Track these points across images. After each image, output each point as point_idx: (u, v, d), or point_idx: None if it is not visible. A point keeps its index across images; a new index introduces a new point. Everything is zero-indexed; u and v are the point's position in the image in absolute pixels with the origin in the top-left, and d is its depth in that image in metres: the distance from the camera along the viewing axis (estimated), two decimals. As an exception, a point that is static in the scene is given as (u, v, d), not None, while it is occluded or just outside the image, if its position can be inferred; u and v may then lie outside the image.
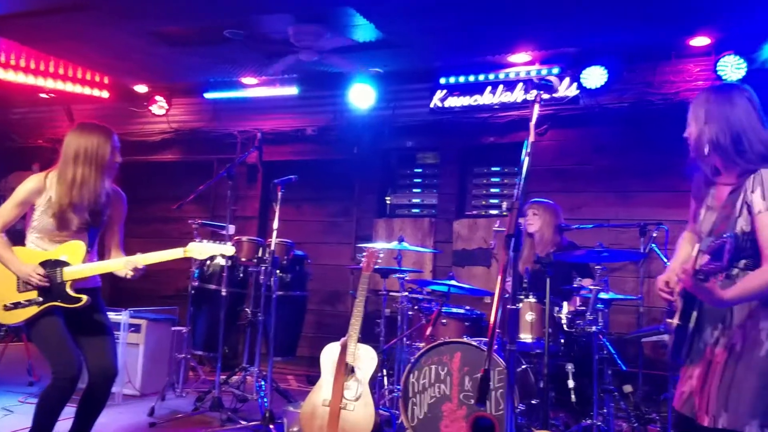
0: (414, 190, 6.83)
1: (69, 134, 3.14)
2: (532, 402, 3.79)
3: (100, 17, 5.17)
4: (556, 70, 5.80)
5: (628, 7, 4.64)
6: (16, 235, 3.15)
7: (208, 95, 7.14)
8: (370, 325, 4.89)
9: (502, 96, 5.98)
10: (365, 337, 3.89)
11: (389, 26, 5.16)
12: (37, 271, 3.00)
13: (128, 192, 3.41)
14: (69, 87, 6.82)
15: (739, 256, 2.00)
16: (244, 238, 4.96)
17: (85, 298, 3.04)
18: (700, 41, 5.22)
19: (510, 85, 5.95)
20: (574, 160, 5.88)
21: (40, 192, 3.09)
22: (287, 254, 4.99)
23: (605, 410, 3.85)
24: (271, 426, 4.08)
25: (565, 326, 4.00)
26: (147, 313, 5.30)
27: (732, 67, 5.10)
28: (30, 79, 6.53)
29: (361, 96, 6.31)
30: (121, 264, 3.10)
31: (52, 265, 3.05)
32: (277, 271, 4.72)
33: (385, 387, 4.64)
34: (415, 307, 4.62)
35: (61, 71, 6.69)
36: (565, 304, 4.05)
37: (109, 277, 3.20)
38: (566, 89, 5.72)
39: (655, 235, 4.48)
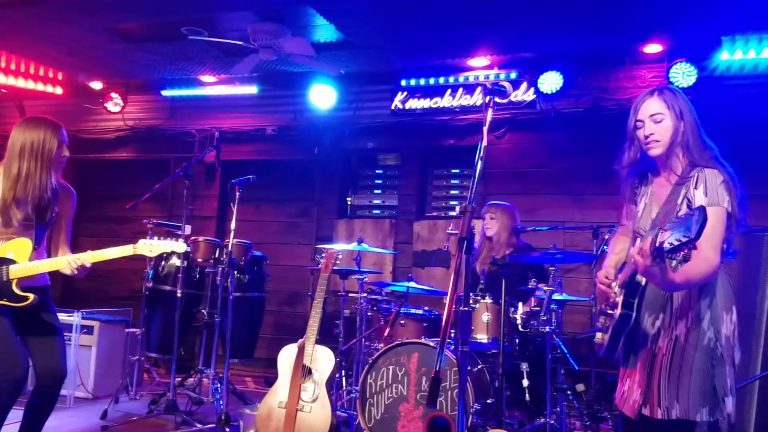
0: (375, 191, 6.84)
1: (15, 129, 3.07)
2: (488, 401, 3.84)
3: (53, 12, 5.04)
4: (513, 75, 5.90)
5: (584, 14, 4.74)
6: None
7: (165, 92, 7.04)
8: (330, 326, 4.89)
9: (461, 99, 6.05)
10: (324, 338, 3.88)
11: (350, 27, 5.17)
12: None
13: (82, 190, 3.35)
14: (21, 83, 6.63)
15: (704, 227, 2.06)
16: (201, 239, 4.91)
17: (31, 296, 2.96)
18: (653, 48, 5.37)
19: (469, 89, 6.03)
20: (532, 163, 5.98)
21: (-14, 189, 3.00)
22: (245, 255, 4.95)
23: (558, 409, 3.93)
24: (227, 429, 4.05)
25: (520, 326, 4.07)
26: (100, 315, 5.19)
27: (683, 74, 5.26)
28: (-20, 74, 6.34)
29: (322, 96, 6.30)
30: (69, 262, 3.02)
31: (-3, 263, 2.97)
32: (235, 272, 4.67)
33: (343, 388, 4.64)
34: (375, 308, 4.63)
35: (12, 66, 6.50)
36: (520, 304, 4.12)
37: (61, 277, 3.14)
38: (524, 93, 5.82)
39: (607, 237, 4.58)
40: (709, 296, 2.22)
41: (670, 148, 2.29)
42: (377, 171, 6.89)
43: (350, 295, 4.84)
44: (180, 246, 3.17)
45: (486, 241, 4.62)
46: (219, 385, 4.52)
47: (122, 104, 7.11)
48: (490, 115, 2.20)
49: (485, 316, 4.03)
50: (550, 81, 5.60)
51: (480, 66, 5.97)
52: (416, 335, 4.22)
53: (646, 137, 2.31)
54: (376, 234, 6.43)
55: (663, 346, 2.23)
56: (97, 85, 7.10)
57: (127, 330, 5.31)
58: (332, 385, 4.19)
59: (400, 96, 6.27)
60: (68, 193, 3.23)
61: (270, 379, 5.76)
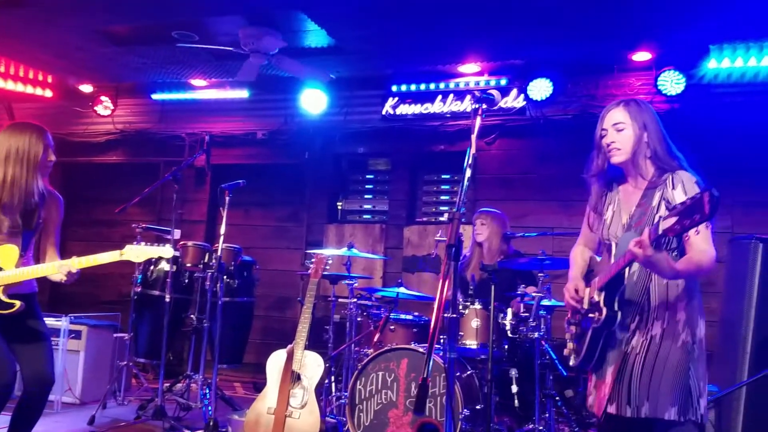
0: (365, 196, 6.85)
1: (0, 134, 3.05)
2: (477, 407, 3.84)
3: (38, 14, 5.01)
4: (504, 82, 5.93)
5: (573, 21, 4.78)
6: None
7: (156, 96, 7.02)
8: (319, 331, 4.88)
9: (452, 105, 6.07)
10: (314, 344, 3.88)
11: (341, 32, 5.18)
12: None
13: (71, 193, 3.33)
14: (10, 85, 6.59)
15: (658, 246, 2.08)
16: (190, 243, 4.88)
17: (18, 303, 2.94)
18: (642, 56, 5.42)
19: (460, 95, 6.06)
20: (521, 169, 6.01)
21: (-28, 195, 2.98)
22: (234, 259, 4.94)
23: (547, 415, 3.94)
24: (215, 434, 4.03)
25: (509, 332, 4.08)
26: (88, 319, 5.15)
27: (672, 82, 5.31)
28: (-32, 76, 6.30)
29: (313, 101, 6.31)
30: (55, 268, 3.00)
31: (-17, 271, 2.94)
32: (224, 277, 4.66)
33: (333, 394, 4.63)
34: (364, 314, 4.63)
35: (2, 69, 6.47)
36: (509, 310, 4.14)
37: (49, 282, 3.11)
38: (513, 100, 5.85)
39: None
40: (686, 299, 2.27)
41: (633, 156, 2.36)
42: (368, 176, 6.90)
43: (340, 300, 4.83)
44: (167, 251, 3.15)
45: (476, 247, 4.64)
46: (207, 391, 4.50)
47: (112, 107, 7.09)
48: (478, 122, 2.22)
49: (474, 322, 4.04)
50: (540, 88, 5.64)
51: (470, 72, 6.00)
52: (406, 341, 4.22)
53: (608, 145, 2.40)
54: (366, 239, 6.43)
55: (637, 346, 2.26)
56: (87, 88, 7.07)
57: (115, 335, 5.27)
58: (321, 390, 4.18)
59: (391, 101, 6.29)
60: (55, 199, 3.21)
61: (258, 385, 5.74)
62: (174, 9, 4.88)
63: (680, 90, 5.29)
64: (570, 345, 2.44)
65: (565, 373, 4.31)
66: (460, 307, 4.07)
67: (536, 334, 3.94)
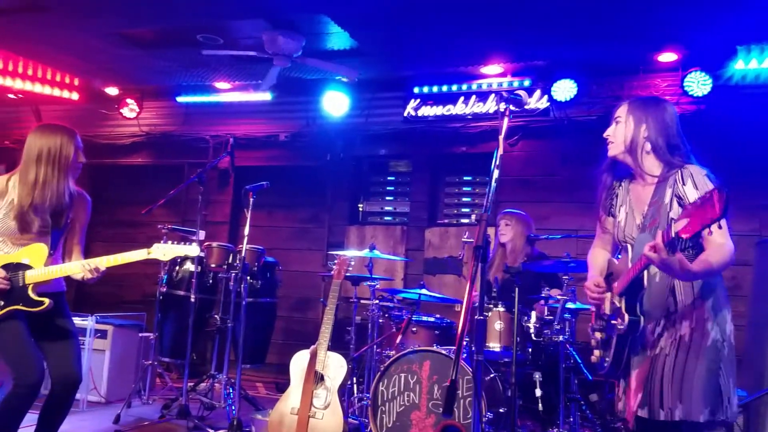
0: (386, 198, 6.85)
1: (30, 135, 3.09)
2: (500, 410, 3.82)
3: (63, 18, 5.08)
4: (527, 83, 5.90)
5: (597, 22, 4.74)
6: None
7: (180, 99, 7.09)
8: (341, 332, 4.88)
9: (474, 106, 6.05)
10: (335, 345, 3.88)
11: (363, 35, 5.18)
12: None
13: (96, 195, 3.37)
14: (38, 88, 6.70)
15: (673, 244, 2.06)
16: (214, 244, 4.93)
17: (47, 301, 2.99)
18: (668, 57, 5.35)
19: (482, 96, 6.03)
20: (544, 170, 5.97)
21: (3, 195, 3.04)
22: (258, 260, 4.97)
23: (571, 419, 3.90)
24: (239, 434, 4.05)
25: (533, 335, 4.05)
26: (113, 319, 5.21)
27: (698, 83, 5.25)
28: (-3, 79, 6.41)
29: (335, 103, 6.33)
30: (84, 266, 3.04)
31: (13, 269, 2.99)
32: (248, 278, 4.69)
33: (355, 395, 4.63)
34: (386, 315, 4.63)
35: (30, 72, 6.58)
36: (533, 313, 4.10)
37: (75, 282, 3.15)
38: (537, 101, 5.82)
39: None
40: (711, 296, 2.24)
41: (629, 151, 2.38)
42: (389, 177, 6.90)
43: (362, 301, 4.84)
44: (193, 250, 3.18)
45: (500, 248, 4.61)
46: (231, 391, 4.54)
47: (137, 110, 7.18)
48: (506, 123, 2.21)
49: (498, 325, 4.02)
50: (564, 89, 5.60)
51: (493, 74, 5.98)
52: (428, 343, 4.21)
53: (606, 137, 2.45)
54: (387, 240, 6.43)
55: (666, 347, 2.23)
56: (112, 90, 7.17)
57: (140, 334, 5.33)
58: (343, 392, 4.18)
59: (412, 103, 6.29)
60: (83, 200, 3.26)
61: (281, 385, 5.77)
62: (198, 13, 4.92)
63: (707, 91, 5.23)
64: (597, 352, 2.41)
65: (590, 377, 4.27)
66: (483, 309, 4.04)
67: (561, 338, 3.90)
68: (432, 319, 4.47)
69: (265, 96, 6.75)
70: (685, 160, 2.33)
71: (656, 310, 2.27)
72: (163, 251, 3.11)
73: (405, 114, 6.32)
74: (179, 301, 5.03)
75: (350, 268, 4.14)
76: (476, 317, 2.06)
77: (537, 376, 4.00)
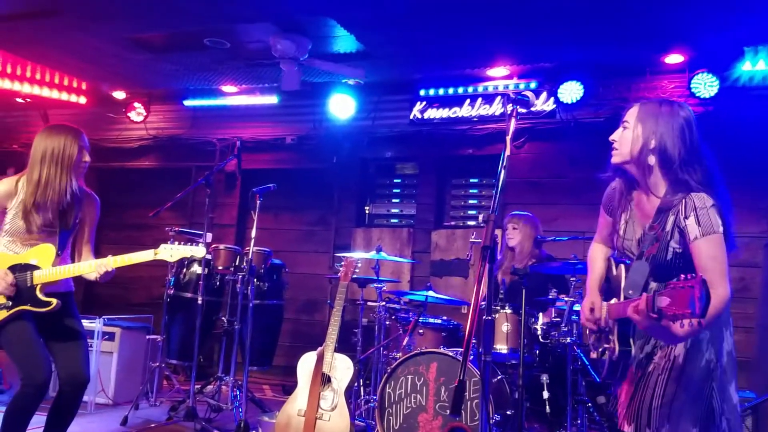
0: (393, 200, 6.86)
1: (37, 136, 3.12)
2: (507, 413, 3.81)
3: (72, 22, 5.11)
4: (533, 85, 5.90)
5: (604, 24, 4.73)
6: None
7: (187, 102, 7.12)
8: (347, 334, 4.89)
9: (480, 109, 6.05)
10: (342, 347, 3.89)
11: (369, 38, 5.19)
12: (5, 278, 2.95)
13: (104, 198, 3.39)
14: (46, 92, 6.74)
15: (671, 274, 1.99)
16: (221, 246, 4.94)
17: (55, 301, 3.00)
18: (674, 59, 5.34)
19: (488, 99, 6.03)
20: (550, 172, 5.96)
21: (12, 195, 3.06)
22: (265, 263, 4.98)
23: (579, 421, 3.89)
24: (246, 436, 4.05)
25: (540, 337, 4.04)
26: (121, 321, 5.23)
27: (705, 85, 5.23)
28: (6, 84, 6.45)
29: (341, 106, 6.34)
30: (92, 267, 3.06)
31: (22, 269, 3.01)
32: (255, 280, 4.70)
33: (362, 397, 4.64)
34: (393, 317, 4.63)
35: (38, 76, 6.62)
36: (540, 315, 4.10)
37: (83, 284, 3.18)
38: (543, 103, 5.81)
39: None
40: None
41: (634, 160, 2.21)
42: (395, 180, 6.90)
43: (368, 303, 4.84)
44: (199, 251, 3.20)
45: (508, 251, 4.61)
46: (238, 393, 4.54)
47: (145, 114, 7.21)
48: (513, 124, 2.19)
49: (505, 327, 4.02)
50: (571, 91, 5.59)
51: (499, 76, 5.98)
52: (435, 345, 4.21)
53: (612, 141, 2.29)
54: (393, 243, 6.44)
55: (659, 366, 2.16)
56: (120, 94, 7.20)
57: (147, 337, 5.35)
58: (350, 394, 4.18)
59: (418, 106, 6.29)
60: (92, 200, 3.28)
61: (287, 387, 5.77)
62: (206, 17, 4.94)
63: (714, 93, 5.21)
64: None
65: (597, 379, 4.26)
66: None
67: (568, 339, 3.89)
68: (439, 321, 4.47)
69: (272, 99, 6.77)
70: (693, 184, 2.13)
71: (643, 333, 2.20)
72: (170, 252, 3.13)
73: (411, 116, 6.32)
74: (186, 304, 5.04)
75: (357, 270, 4.15)
76: (484, 318, 2.05)
77: (544, 378, 3.99)
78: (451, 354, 3.78)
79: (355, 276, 4.16)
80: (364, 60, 5.61)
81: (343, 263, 4.14)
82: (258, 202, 4.45)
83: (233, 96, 6.90)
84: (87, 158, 3.18)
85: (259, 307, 4.93)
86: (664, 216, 2.17)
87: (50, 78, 6.75)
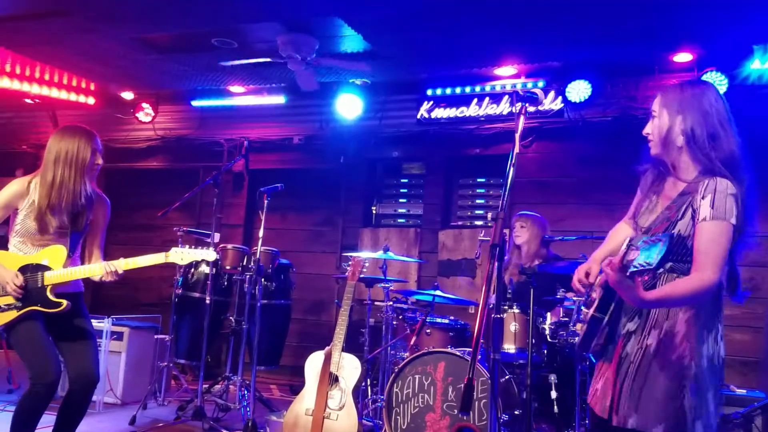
0: (400, 200, 6.85)
1: (51, 137, 3.15)
2: (515, 412, 3.80)
3: (81, 23, 5.13)
4: (541, 84, 5.88)
5: (612, 23, 4.72)
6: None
7: (195, 103, 7.14)
8: (355, 334, 4.89)
9: (488, 108, 6.04)
10: (349, 347, 3.89)
11: (377, 37, 5.19)
12: (15, 280, 2.96)
13: (112, 198, 3.40)
14: (54, 93, 6.77)
15: (668, 257, 1.96)
16: (229, 246, 4.95)
17: (65, 302, 3.02)
18: (683, 57, 5.32)
19: (496, 98, 6.02)
20: (558, 172, 5.94)
21: (23, 196, 3.08)
22: (272, 263, 4.99)
23: (587, 421, 3.87)
24: (254, 435, 4.06)
25: (548, 337, 4.02)
26: (129, 321, 5.25)
27: (714, 83, 5.19)
28: (15, 84, 6.48)
29: (349, 106, 6.34)
30: (102, 268, 3.08)
31: (32, 270, 3.03)
32: (262, 280, 4.71)
33: (369, 397, 4.64)
34: (400, 317, 4.63)
35: (46, 77, 6.65)
36: (548, 315, 4.08)
37: (91, 284, 3.19)
38: (551, 102, 5.80)
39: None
40: (691, 313, 2.08)
41: (664, 146, 2.18)
42: (402, 180, 6.90)
43: (376, 303, 4.84)
44: (210, 254, 3.21)
45: (515, 249, 4.60)
46: (246, 392, 4.55)
47: (153, 114, 7.23)
48: (521, 122, 2.18)
49: (513, 326, 4.00)
50: (579, 90, 5.58)
51: (507, 75, 5.97)
52: (442, 344, 4.20)
53: (646, 135, 2.26)
54: (400, 243, 6.43)
55: (632, 353, 2.13)
56: (128, 95, 7.23)
57: (156, 336, 5.36)
58: (357, 393, 4.18)
59: (426, 105, 6.29)
60: (103, 202, 3.30)
61: (295, 387, 5.78)
62: (213, 17, 4.95)
63: (723, 91, 5.18)
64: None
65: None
66: (498, 310, 4.02)
67: (576, 339, 3.87)
68: (446, 321, 4.46)
69: (279, 99, 6.78)
70: (719, 167, 2.09)
71: (629, 310, 2.18)
72: (181, 255, 3.15)
73: (418, 116, 6.32)
74: (194, 303, 5.06)
75: (364, 270, 4.15)
76: (493, 316, 2.04)
77: (552, 378, 3.98)
78: (458, 354, 3.77)
79: (362, 276, 4.16)
80: (371, 60, 5.61)
81: (350, 263, 4.14)
82: (265, 202, 4.46)
83: (240, 96, 6.92)
84: (100, 161, 3.20)
85: (266, 306, 4.94)
86: (683, 198, 2.14)
87: (59, 79, 6.78)
